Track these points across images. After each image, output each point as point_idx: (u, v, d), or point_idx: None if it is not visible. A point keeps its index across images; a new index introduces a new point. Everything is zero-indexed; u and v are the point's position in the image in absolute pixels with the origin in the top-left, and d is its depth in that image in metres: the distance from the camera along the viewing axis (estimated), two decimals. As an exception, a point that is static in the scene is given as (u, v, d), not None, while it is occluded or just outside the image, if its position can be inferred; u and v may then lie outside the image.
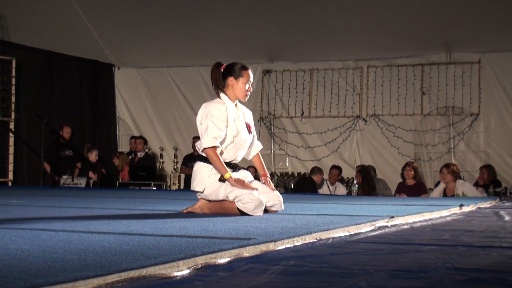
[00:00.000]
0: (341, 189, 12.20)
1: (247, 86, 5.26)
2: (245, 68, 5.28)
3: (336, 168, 12.36)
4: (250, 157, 5.52)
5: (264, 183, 5.36)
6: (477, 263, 2.75)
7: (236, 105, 5.31)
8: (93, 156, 13.16)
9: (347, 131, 13.89)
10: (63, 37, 14.01)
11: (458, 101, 13.17)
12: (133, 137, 14.18)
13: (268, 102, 14.48)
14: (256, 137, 5.54)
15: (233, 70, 5.26)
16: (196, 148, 5.34)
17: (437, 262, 2.70)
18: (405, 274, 2.40)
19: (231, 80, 5.24)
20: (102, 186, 12.77)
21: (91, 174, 12.92)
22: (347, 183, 12.84)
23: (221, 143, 5.12)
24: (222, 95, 5.27)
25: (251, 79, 5.30)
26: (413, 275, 2.39)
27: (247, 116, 5.43)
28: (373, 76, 13.80)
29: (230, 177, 5.03)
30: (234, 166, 5.25)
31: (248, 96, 5.33)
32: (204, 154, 5.12)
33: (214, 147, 5.04)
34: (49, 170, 12.87)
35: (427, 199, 9.30)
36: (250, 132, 5.36)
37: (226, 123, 5.11)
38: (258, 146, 5.55)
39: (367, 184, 11.15)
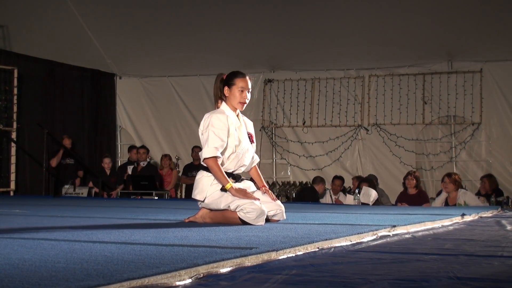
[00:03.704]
0: (343, 199, 12.15)
1: (241, 93, 5.20)
2: (237, 75, 5.24)
3: (339, 179, 12.33)
4: (248, 169, 5.48)
5: (265, 193, 5.33)
6: (479, 272, 2.75)
7: (237, 115, 5.31)
8: (105, 164, 13.39)
9: (349, 140, 13.89)
10: (65, 46, 14.03)
11: (460, 110, 13.17)
12: (133, 147, 14.15)
13: (270, 111, 14.49)
14: (255, 150, 5.50)
15: (228, 79, 5.25)
16: (200, 157, 5.33)
17: (439, 271, 2.70)
18: (407, 284, 2.40)
19: (226, 89, 5.24)
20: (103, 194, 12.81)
21: (91, 184, 12.95)
22: (349, 192, 12.82)
23: (223, 153, 5.12)
24: (223, 105, 5.27)
25: (247, 85, 5.22)
26: (415, 285, 2.39)
27: (249, 126, 5.42)
28: (375, 85, 13.81)
29: (231, 187, 5.02)
30: (237, 177, 5.24)
31: (245, 104, 5.25)
32: (205, 164, 5.12)
33: (215, 157, 5.04)
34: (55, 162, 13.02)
35: (428, 208, 9.28)
36: (252, 141, 5.35)
37: (227, 132, 5.11)
38: (256, 159, 5.49)
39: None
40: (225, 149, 5.13)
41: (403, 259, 3.16)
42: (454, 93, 13.20)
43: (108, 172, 13.50)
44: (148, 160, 13.83)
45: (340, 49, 13.45)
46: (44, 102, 13.96)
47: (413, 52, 13.17)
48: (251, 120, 5.60)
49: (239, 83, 5.21)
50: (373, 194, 10.66)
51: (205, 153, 5.05)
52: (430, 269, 2.81)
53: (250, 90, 5.27)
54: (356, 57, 13.63)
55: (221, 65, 12.63)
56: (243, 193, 5.03)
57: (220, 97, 5.31)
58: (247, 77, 5.26)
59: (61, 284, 2.13)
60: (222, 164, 5.13)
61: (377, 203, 10.92)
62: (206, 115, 5.21)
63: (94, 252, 3.04)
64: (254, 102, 14.26)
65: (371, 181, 11.50)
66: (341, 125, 13.93)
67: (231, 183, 5.04)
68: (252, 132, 5.44)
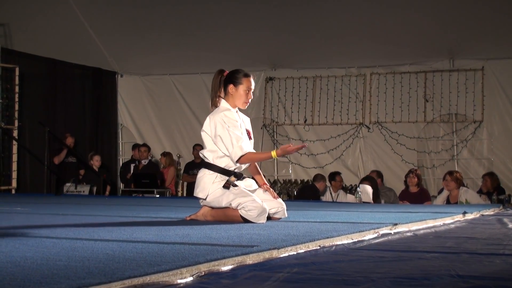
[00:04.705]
0: (342, 197, 12.13)
1: (247, 93, 5.24)
2: (245, 75, 5.26)
3: (339, 174, 12.30)
4: (247, 165, 5.47)
5: (266, 191, 5.33)
6: (481, 270, 2.75)
7: (236, 112, 5.32)
8: (95, 162, 13.30)
9: (350, 138, 13.88)
10: (66, 45, 14.03)
11: (462, 108, 13.16)
12: (137, 145, 14.14)
13: (271, 110, 14.48)
14: (253, 146, 5.49)
15: (233, 77, 5.26)
16: (201, 156, 5.34)
17: (440, 270, 2.70)
18: (409, 282, 2.40)
19: (231, 87, 5.24)
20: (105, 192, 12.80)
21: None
22: (350, 190, 12.80)
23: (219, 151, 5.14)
24: (223, 102, 5.27)
25: (252, 86, 5.27)
26: (417, 283, 2.39)
27: (246, 122, 5.42)
28: (376, 83, 13.80)
29: (276, 152, 5.06)
30: (238, 175, 5.24)
31: (248, 104, 5.31)
32: (240, 164, 5.12)
33: (245, 154, 5.04)
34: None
35: (430, 206, 9.28)
36: (250, 138, 5.35)
37: (239, 126, 5.14)
38: None
39: (375, 193, 11.12)
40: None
41: (404, 257, 3.16)
42: (455, 91, 13.19)
43: (96, 170, 13.40)
44: (149, 158, 13.83)
45: (342, 47, 13.44)
46: (45, 100, 13.96)
47: (414, 50, 13.15)
48: (253, 118, 5.61)
49: (246, 83, 5.24)
50: (369, 189, 10.66)
51: (234, 155, 5.04)
52: (431, 267, 2.81)
53: (253, 90, 5.31)
54: (358, 55, 13.61)
55: (223, 63, 12.54)
56: (286, 148, 5.02)
57: (217, 93, 5.32)
58: (251, 77, 5.29)
59: (62, 282, 2.13)
60: (223, 161, 5.14)
61: (378, 200, 10.92)
62: (210, 117, 5.19)
63: (95, 250, 3.04)
64: (256, 100, 14.23)
65: (373, 179, 11.49)
66: (342, 123, 13.93)
67: (274, 151, 5.08)
68: (250, 128, 5.44)
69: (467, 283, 2.38)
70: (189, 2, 13.10)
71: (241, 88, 5.22)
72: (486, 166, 12.98)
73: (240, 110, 5.41)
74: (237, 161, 5.10)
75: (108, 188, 13.20)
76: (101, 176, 12.98)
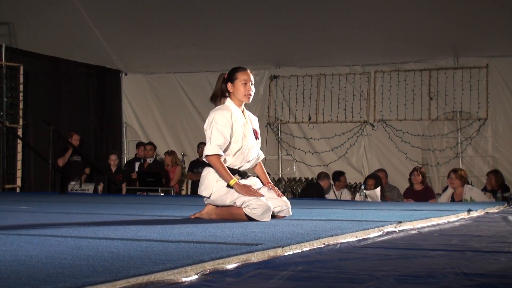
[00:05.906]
0: (346, 195, 12.13)
1: (245, 85, 5.23)
2: (238, 69, 5.29)
3: (343, 175, 12.29)
4: (253, 165, 5.47)
5: (270, 189, 5.33)
6: (486, 268, 2.75)
7: (243, 111, 5.32)
8: (111, 160, 13.41)
9: (355, 136, 13.87)
10: (70, 43, 14.05)
11: (466, 106, 13.13)
12: (141, 144, 14.14)
13: (276, 108, 14.47)
14: (260, 146, 5.49)
15: (229, 76, 5.29)
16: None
17: (445, 267, 2.70)
18: (414, 279, 2.40)
19: (229, 86, 5.26)
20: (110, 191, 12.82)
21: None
22: (355, 188, 12.79)
23: (227, 149, 5.13)
24: (228, 101, 5.28)
25: (251, 78, 5.26)
26: (422, 280, 2.39)
27: (254, 122, 5.42)
28: (381, 81, 13.78)
29: (236, 183, 5.03)
30: (243, 174, 5.24)
31: (251, 96, 5.28)
32: (207, 161, 5.13)
33: (218, 155, 5.04)
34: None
35: (435, 204, 9.27)
36: (257, 137, 5.36)
37: (231, 129, 5.11)
38: (261, 155, 5.49)
39: (381, 191, 11.12)
40: (230, 145, 5.14)
41: (409, 255, 3.16)
42: (460, 88, 13.16)
43: (113, 169, 13.50)
44: (154, 156, 13.83)
45: (346, 45, 13.43)
46: (50, 99, 13.97)
47: (418, 47, 13.13)
48: (256, 116, 5.60)
49: (241, 76, 5.25)
50: (378, 193, 10.67)
51: (207, 150, 5.06)
52: (436, 265, 2.81)
53: (253, 83, 5.30)
54: (362, 53, 13.59)
55: (227, 61, 12.62)
56: (247, 190, 5.02)
57: (223, 95, 5.32)
58: (248, 70, 5.31)
59: (67, 280, 2.14)
60: (224, 161, 5.13)
61: (383, 199, 10.92)
62: (211, 112, 5.23)
63: (100, 249, 3.04)
64: (260, 99, 14.27)
65: (378, 178, 11.48)
66: (346, 121, 13.91)
67: (235, 179, 5.04)
68: (257, 128, 5.44)
69: (472, 281, 2.38)
70: (193, 0, 13.10)
71: (237, 82, 5.24)
72: (490, 164, 12.95)
73: (247, 108, 5.42)
74: (205, 157, 5.11)
75: (124, 188, 13.22)
76: (117, 177, 13.08)
